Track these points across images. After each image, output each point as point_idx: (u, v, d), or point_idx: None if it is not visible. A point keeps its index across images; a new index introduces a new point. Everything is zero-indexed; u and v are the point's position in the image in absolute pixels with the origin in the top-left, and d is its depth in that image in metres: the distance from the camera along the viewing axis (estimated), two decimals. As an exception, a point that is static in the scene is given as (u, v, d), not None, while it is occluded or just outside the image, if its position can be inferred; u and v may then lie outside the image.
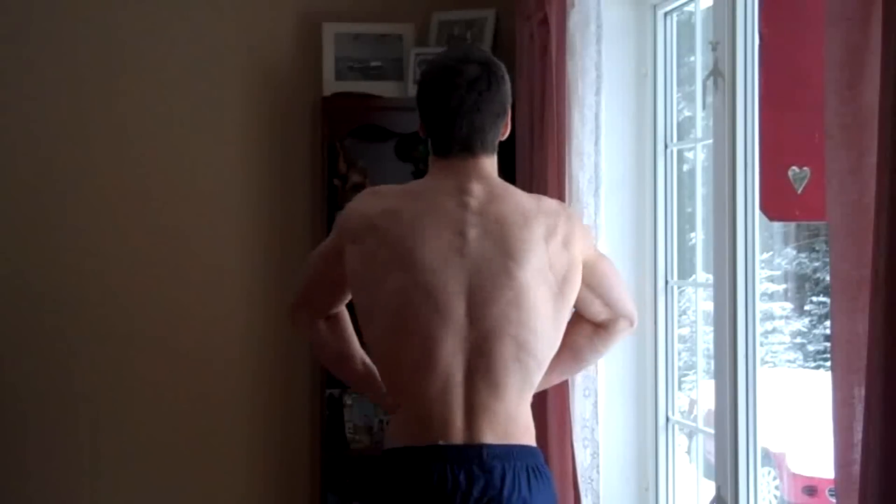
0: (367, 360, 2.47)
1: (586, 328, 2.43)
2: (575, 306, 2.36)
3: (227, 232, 4.12)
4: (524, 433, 2.22)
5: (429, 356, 2.15)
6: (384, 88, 4.01)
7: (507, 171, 3.64)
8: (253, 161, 4.13)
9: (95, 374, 4.05)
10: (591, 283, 2.32)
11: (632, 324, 2.46)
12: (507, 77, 2.30)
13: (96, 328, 4.05)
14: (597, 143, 3.18)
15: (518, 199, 2.25)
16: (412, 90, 3.85)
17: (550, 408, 3.11)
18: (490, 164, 2.29)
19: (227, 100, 4.12)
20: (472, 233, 2.19)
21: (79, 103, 4.06)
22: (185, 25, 4.10)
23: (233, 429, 4.12)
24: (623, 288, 2.44)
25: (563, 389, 3.10)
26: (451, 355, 2.15)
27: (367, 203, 2.28)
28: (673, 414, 3.41)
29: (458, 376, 2.15)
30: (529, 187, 3.37)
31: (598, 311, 2.38)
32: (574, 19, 3.17)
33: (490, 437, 2.15)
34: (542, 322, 2.19)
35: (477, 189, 2.23)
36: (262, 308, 4.13)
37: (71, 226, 4.05)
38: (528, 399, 2.25)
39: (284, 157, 4.14)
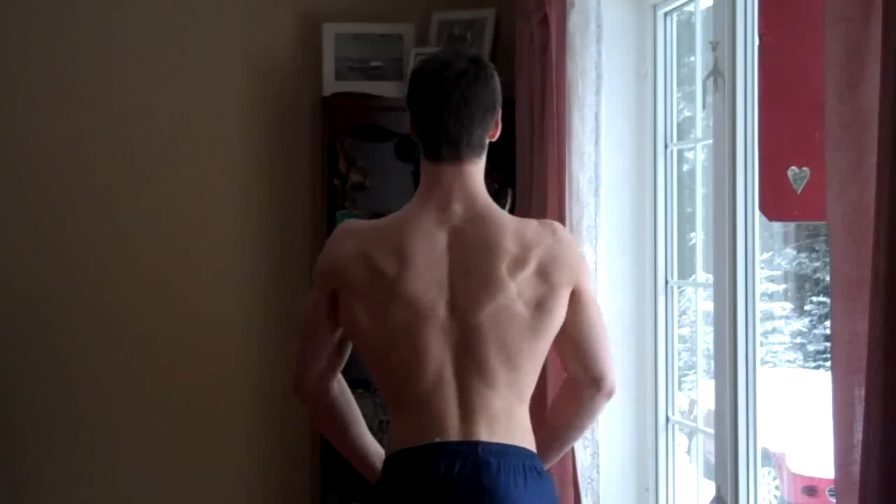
0: (376, 444, 2.47)
1: (561, 409, 2.40)
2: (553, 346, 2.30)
3: (227, 232, 4.12)
4: (523, 436, 2.22)
5: (418, 354, 2.17)
6: (384, 88, 4.01)
7: (508, 171, 3.65)
8: (253, 161, 4.13)
9: (95, 373, 4.05)
10: (573, 320, 2.26)
11: (607, 394, 2.34)
12: (496, 76, 2.29)
13: (95, 328, 4.05)
14: (597, 143, 3.18)
15: (493, 229, 2.21)
16: (412, 90, 3.85)
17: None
18: (477, 172, 2.27)
19: (227, 100, 4.12)
20: (451, 253, 2.20)
21: (78, 104, 4.05)
22: (185, 25, 4.10)
23: (233, 429, 4.12)
24: (606, 348, 2.34)
25: (563, 389, 3.09)
26: (440, 353, 2.17)
27: (343, 246, 2.25)
28: (673, 414, 3.41)
29: (449, 372, 2.17)
30: (529, 187, 3.37)
31: (569, 358, 2.32)
32: (574, 19, 3.17)
33: (486, 434, 2.16)
34: (521, 345, 2.20)
35: (458, 210, 2.23)
36: (262, 308, 4.13)
37: (70, 227, 4.05)
38: (525, 403, 2.25)
39: (284, 157, 4.14)
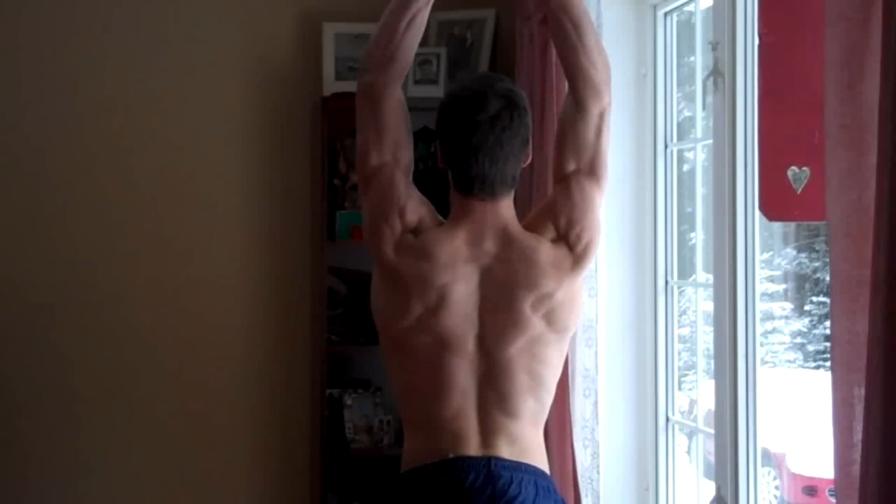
0: None
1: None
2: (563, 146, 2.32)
3: (228, 232, 4.12)
4: (538, 458, 2.24)
5: (443, 383, 2.19)
6: (384, 88, 4.00)
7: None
8: (253, 161, 4.13)
9: (95, 375, 4.05)
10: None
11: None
12: (528, 107, 2.26)
13: (96, 329, 4.05)
14: (597, 143, 3.17)
15: (519, 265, 2.21)
16: (412, 90, 3.85)
17: (551, 408, 3.10)
18: (508, 204, 2.27)
19: (227, 100, 4.12)
20: (482, 291, 2.21)
21: (77, 104, 4.05)
22: (186, 25, 4.10)
23: (233, 429, 4.12)
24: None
25: (563, 389, 3.09)
26: (465, 383, 2.19)
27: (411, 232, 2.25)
28: (673, 414, 3.41)
29: (471, 402, 2.19)
30: (529, 187, 3.37)
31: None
32: (574, 19, 3.16)
33: (504, 453, 2.19)
34: (551, 368, 2.25)
35: (489, 247, 2.22)
36: (263, 308, 4.13)
37: (70, 227, 4.05)
38: (541, 428, 2.28)
39: (284, 157, 4.14)
